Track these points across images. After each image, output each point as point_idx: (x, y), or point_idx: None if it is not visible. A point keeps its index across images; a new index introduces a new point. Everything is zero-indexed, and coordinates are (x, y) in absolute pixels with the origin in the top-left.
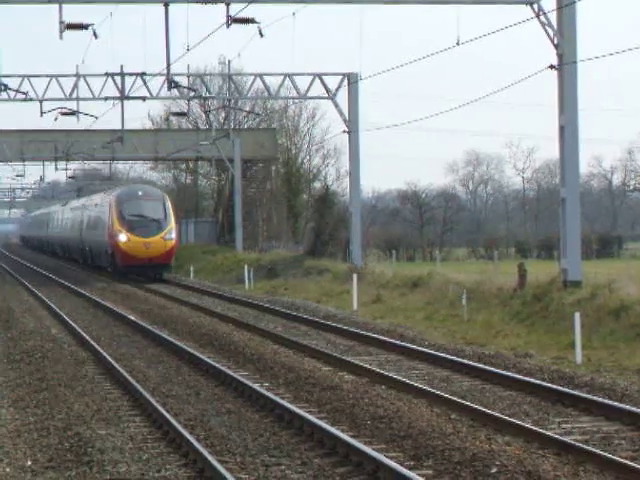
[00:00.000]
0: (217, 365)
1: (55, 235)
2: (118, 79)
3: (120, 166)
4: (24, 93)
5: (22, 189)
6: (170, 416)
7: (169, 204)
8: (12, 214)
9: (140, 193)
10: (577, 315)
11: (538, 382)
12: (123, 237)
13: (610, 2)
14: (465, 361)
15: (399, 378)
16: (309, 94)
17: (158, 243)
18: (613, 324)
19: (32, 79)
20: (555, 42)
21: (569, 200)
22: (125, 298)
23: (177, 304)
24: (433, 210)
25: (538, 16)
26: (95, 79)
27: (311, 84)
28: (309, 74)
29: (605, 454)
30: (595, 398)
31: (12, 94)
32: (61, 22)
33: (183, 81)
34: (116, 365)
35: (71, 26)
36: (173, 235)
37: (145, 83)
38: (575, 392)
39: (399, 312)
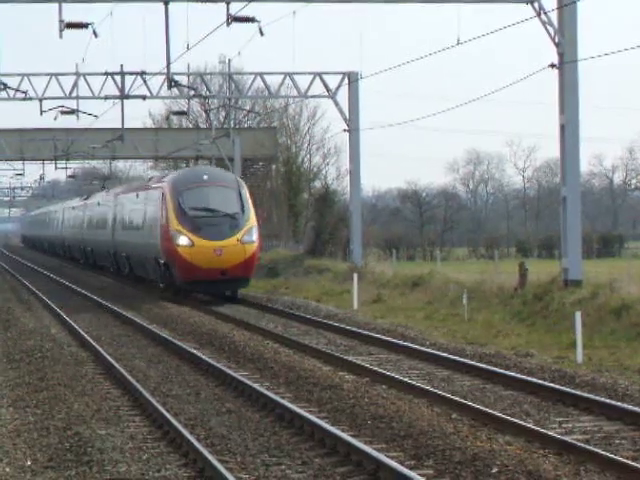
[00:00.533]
0: (217, 365)
1: (71, 236)
2: (118, 78)
3: (120, 165)
4: (24, 92)
5: (22, 188)
6: (170, 416)
7: (246, 192)
8: (12, 213)
9: (205, 177)
10: (578, 314)
11: (539, 382)
12: (184, 240)
13: (611, 1)
14: (466, 361)
15: (400, 378)
16: (309, 93)
17: (234, 248)
18: (614, 323)
19: (32, 78)
20: (556, 41)
21: (570, 199)
22: (123, 297)
23: (176, 304)
24: (433, 209)
25: (539, 15)
26: (95, 78)
27: (311, 83)
28: (309, 73)
29: (606, 454)
30: (596, 398)
31: (12, 93)
32: (61, 21)
33: (183, 80)
34: (116, 365)
35: (71, 25)
36: (254, 236)
37: (145, 82)
38: (576, 392)
39: (399, 311)
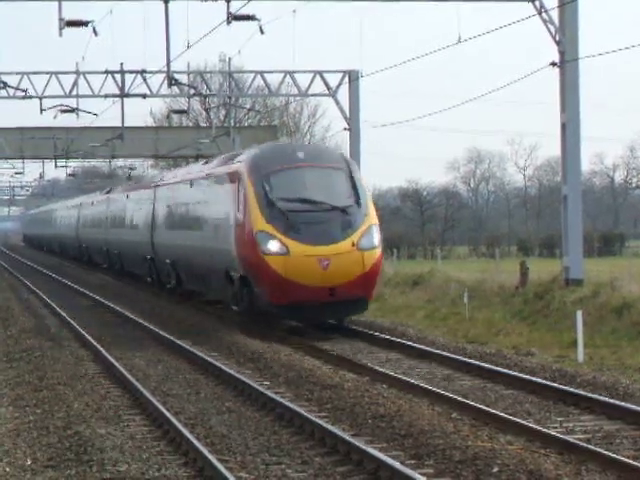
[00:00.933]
0: (217, 364)
1: (90, 236)
2: (118, 76)
3: (120, 164)
4: (24, 90)
5: (22, 187)
6: (170, 415)
7: (361, 177)
8: (12, 212)
9: (301, 155)
10: (579, 313)
11: (540, 381)
12: (275, 245)
13: (613, 1)
14: (466, 359)
15: (400, 377)
16: (310, 91)
17: (348, 257)
18: (615, 322)
19: (32, 76)
20: (557, 39)
21: (571, 198)
22: (119, 296)
23: (175, 304)
24: (434, 208)
25: (540, 13)
26: (95, 76)
27: (312, 81)
28: (310, 71)
29: (607, 453)
30: (597, 397)
31: (12, 91)
32: (61, 19)
33: (183, 78)
34: (116, 363)
35: (71, 23)
36: (376, 239)
37: (145, 80)
38: (577, 391)
39: (400, 310)
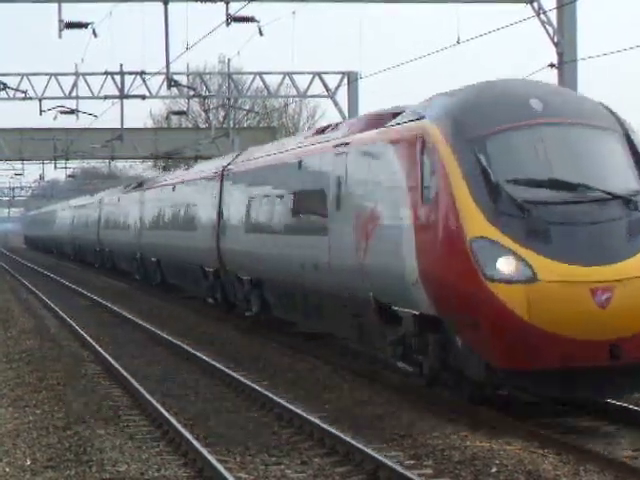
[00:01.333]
0: (216, 364)
1: (115, 239)
2: (117, 78)
3: (119, 165)
4: (23, 92)
5: (21, 188)
6: (170, 415)
7: None
8: (12, 213)
9: (537, 105)
10: None
11: None
12: (509, 265)
13: (611, 1)
14: None
15: (399, 377)
16: (309, 93)
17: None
18: None
19: (31, 78)
20: (555, 41)
21: None
22: (120, 296)
23: (176, 305)
24: None
25: (538, 15)
26: (94, 78)
27: (311, 83)
28: (309, 73)
29: (605, 454)
30: None
31: (11, 93)
32: (60, 21)
33: (183, 80)
34: (115, 364)
35: (70, 25)
36: None
37: (144, 82)
38: None
39: None
